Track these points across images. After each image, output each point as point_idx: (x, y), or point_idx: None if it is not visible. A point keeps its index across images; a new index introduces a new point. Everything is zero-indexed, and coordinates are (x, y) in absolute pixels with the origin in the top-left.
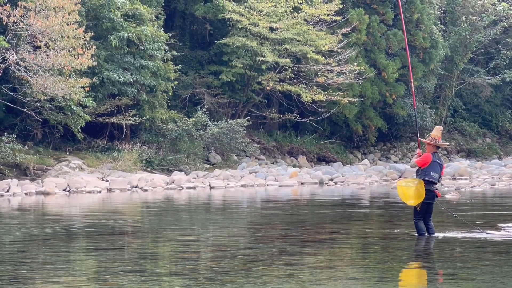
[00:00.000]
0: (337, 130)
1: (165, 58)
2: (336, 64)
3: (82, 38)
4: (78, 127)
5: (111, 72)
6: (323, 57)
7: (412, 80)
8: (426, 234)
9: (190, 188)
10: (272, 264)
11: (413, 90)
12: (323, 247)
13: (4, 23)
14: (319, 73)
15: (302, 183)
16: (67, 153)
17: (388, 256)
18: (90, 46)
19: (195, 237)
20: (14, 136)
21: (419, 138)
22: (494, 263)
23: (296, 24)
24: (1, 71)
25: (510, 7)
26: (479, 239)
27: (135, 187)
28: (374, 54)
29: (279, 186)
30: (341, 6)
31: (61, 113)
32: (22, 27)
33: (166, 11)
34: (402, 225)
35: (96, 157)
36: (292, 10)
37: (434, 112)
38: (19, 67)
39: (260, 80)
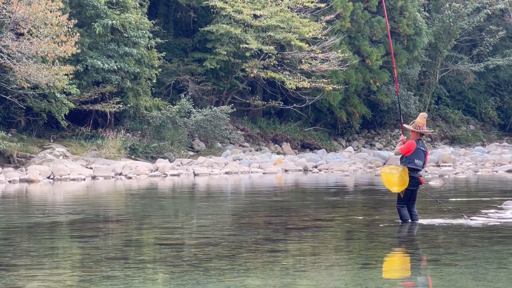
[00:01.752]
0: (321, 117)
1: (149, 45)
2: (320, 51)
3: (66, 25)
4: (62, 115)
5: (95, 60)
6: (307, 44)
7: (395, 66)
8: (409, 220)
9: (174, 175)
10: (256, 251)
11: (396, 76)
12: (307, 234)
13: None
14: (303, 60)
15: (286, 170)
16: (51, 141)
17: (372, 243)
18: (74, 34)
19: (179, 224)
20: None
21: (403, 125)
22: (477, 249)
23: (280, 11)
24: None
25: None
26: (462, 225)
27: (119, 175)
28: (358, 41)
29: (263, 173)
30: None
31: (44, 100)
32: (5, 14)
33: None
34: (386, 212)
35: (80, 145)
36: None
37: (418, 99)
38: (2, 55)
39: (244, 67)
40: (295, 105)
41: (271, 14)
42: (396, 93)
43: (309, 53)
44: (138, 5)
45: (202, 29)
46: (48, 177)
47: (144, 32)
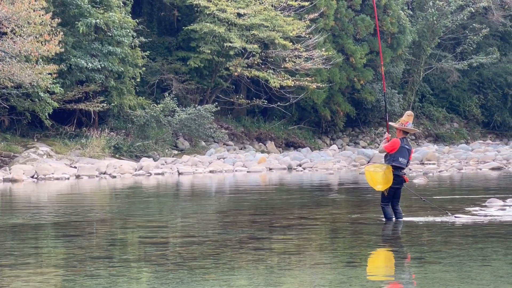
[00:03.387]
0: (305, 116)
1: (133, 44)
2: (304, 49)
3: (49, 25)
4: (46, 114)
5: (78, 59)
6: (291, 43)
7: (382, 64)
8: (393, 218)
9: (158, 174)
10: (241, 250)
11: (383, 74)
12: (291, 233)
13: None
14: (287, 59)
15: (270, 169)
16: (35, 140)
17: (356, 241)
18: (57, 33)
19: (164, 223)
20: None
21: (389, 123)
22: (461, 247)
23: (264, 10)
24: None
25: None
26: (446, 223)
27: (104, 174)
28: (342, 40)
29: (247, 171)
30: None
31: (28, 99)
32: None
33: None
34: (370, 210)
35: (64, 144)
36: None
37: (402, 97)
38: None
39: (228, 66)
40: (279, 103)
41: (254, 12)
42: (383, 91)
43: (293, 51)
44: (121, 4)
45: (186, 28)
46: (32, 177)
47: (128, 31)
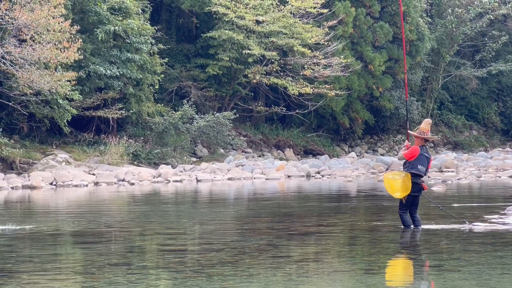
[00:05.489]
0: (324, 123)
1: (151, 51)
2: (323, 57)
3: (68, 32)
4: (65, 121)
5: (97, 66)
6: (310, 50)
7: (406, 71)
8: (411, 226)
9: (176, 181)
10: (259, 257)
11: (406, 82)
12: (310, 240)
13: None
14: (305, 66)
15: (289, 176)
16: (54, 147)
17: (375, 249)
18: (76, 40)
19: (182, 230)
20: (0, 130)
21: (408, 131)
22: (480, 255)
23: (283, 17)
24: None
25: (495, 0)
26: (465, 231)
27: (122, 181)
28: (361, 47)
29: (266, 179)
30: None
31: (47, 106)
32: (8, 21)
33: (153, 4)
34: (389, 218)
35: (83, 151)
36: (278, 3)
37: (421, 104)
38: (4, 61)
39: (246, 73)
40: (297, 111)
41: (273, 19)
42: (401, 99)
43: (312, 58)
44: (140, 11)
45: (205, 35)
46: (51, 184)
47: (147, 38)
